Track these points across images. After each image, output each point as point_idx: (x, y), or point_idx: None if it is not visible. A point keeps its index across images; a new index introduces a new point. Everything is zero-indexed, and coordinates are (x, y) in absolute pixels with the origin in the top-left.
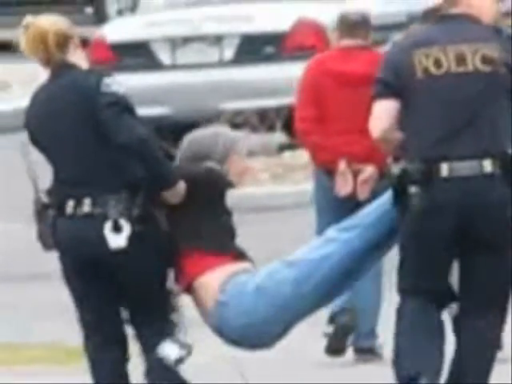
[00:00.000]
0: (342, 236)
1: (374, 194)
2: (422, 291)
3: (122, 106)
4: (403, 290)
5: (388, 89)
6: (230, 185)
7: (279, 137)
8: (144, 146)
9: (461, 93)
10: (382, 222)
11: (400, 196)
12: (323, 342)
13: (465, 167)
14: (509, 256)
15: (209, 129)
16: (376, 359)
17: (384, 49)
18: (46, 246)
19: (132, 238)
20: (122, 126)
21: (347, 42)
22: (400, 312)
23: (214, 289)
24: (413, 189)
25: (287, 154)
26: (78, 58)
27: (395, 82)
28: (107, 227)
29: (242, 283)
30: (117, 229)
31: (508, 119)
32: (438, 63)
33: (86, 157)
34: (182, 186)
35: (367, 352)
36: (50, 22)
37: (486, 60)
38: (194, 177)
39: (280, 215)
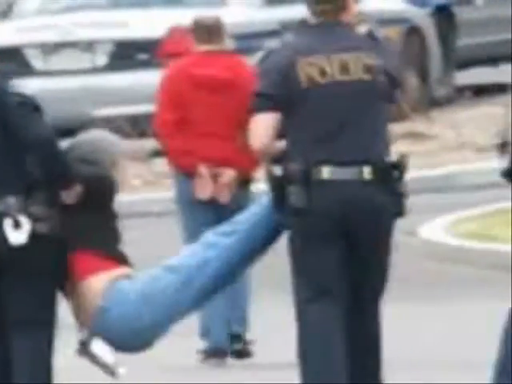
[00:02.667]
0: (222, 241)
1: (236, 199)
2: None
3: (31, 106)
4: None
5: (269, 101)
6: (117, 190)
7: (151, 143)
8: (49, 146)
9: (344, 101)
10: (259, 228)
11: (280, 197)
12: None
13: (344, 172)
14: (385, 258)
15: (100, 133)
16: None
17: (253, 60)
18: None
19: (32, 236)
20: (31, 126)
21: (205, 47)
22: (305, 320)
23: (97, 294)
24: (292, 189)
25: (159, 161)
26: None
27: (277, 94)
28: (7, 224)
29: (124, 290)
30: (17, 226)
31: (387, 127)
32: (322, 72)
33: None
34: (78, 187)
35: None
36: None
37: (367, 69)
38: (87, 181)
39: (152, 221)
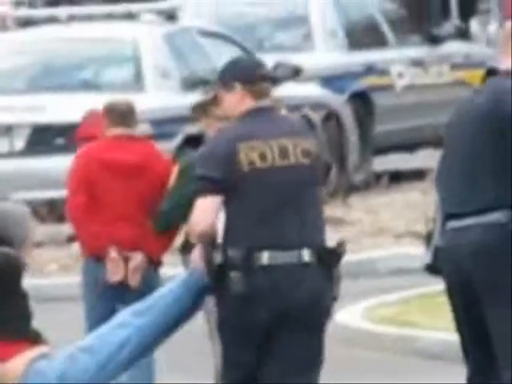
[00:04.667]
0: (136, 321)
1: (146, 282)
2: (243, 371)
3: None
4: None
5: (212, 184)
6: (26, 268)
7: (68, 227)
8: None
9: (285, 185)
10: (174, 306)
11: (220, 283)
12: None
13: (284, 256)
14: (321, 338)
15: (11, 207)
16: None
17: (171, 145)
18: None
19: None
20: None
21: (117, 131)
22: None
23: (15, 379)
24: (233, 274)
25: (76, 245)
26: None
27: (220, 177)
28: None
29: (42, 372)
30: None
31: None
32: (262, 156)
33: None
34: None
35: None
36: None
37: (305, 153)
38: None
39: (67, 306)
